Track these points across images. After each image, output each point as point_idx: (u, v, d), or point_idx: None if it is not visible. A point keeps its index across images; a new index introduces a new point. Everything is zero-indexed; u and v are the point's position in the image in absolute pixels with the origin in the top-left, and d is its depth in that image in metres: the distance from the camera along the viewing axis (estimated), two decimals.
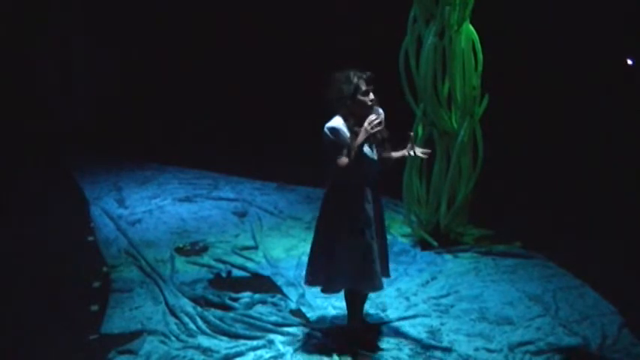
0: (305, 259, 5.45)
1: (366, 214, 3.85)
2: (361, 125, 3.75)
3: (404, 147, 3.96)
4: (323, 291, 4.03)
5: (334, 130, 3.76)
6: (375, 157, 3.86)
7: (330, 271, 3.92)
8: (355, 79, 3.76)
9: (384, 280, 4.05)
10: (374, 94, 3.79)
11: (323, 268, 3.96)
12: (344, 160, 3.75)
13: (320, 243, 3.98)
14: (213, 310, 4.59)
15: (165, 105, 10.05)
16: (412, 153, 3.92)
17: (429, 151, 4.04)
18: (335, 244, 3.87)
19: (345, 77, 3.78)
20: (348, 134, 3.76)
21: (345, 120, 3.79)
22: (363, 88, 3.76)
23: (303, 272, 5.16)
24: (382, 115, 3.92)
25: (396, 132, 4.03)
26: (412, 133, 3.99)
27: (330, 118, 3.81)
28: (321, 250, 3.97)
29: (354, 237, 3.85)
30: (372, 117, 3.70)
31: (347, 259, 3.86)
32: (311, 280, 4.07)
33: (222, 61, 10.11)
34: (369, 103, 3.78)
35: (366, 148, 3.79)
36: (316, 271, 4.02)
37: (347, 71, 3.80)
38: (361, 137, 3.70)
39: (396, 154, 3.98)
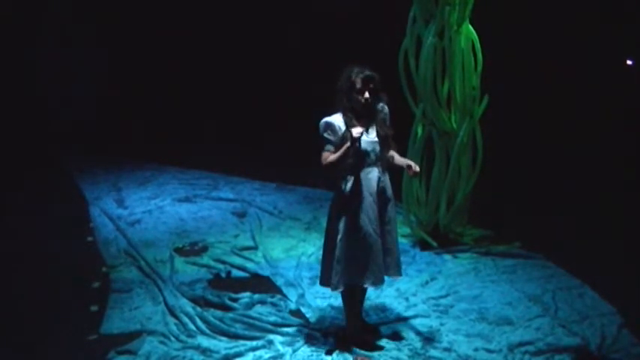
0: (304, 259, 5.51)
1: (367, 207, 3.84)
2: (359, 122, 3.79)
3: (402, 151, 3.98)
4: (332, 290, 4.02)
5: (326, 125, 3.81)
6: (370, 148, 3.83)
7: (335, 268, 3.90)
8: (353, 76, 3.78)
9: (389, 278, 4.07)
10: (370, 93, 3.78)
11: (329, 268, 3.94)
12: (327, 156, 3.79)
13: (327, 242, 3.98)
14: (212, 310, 4.59)
15: (165, 105, 10.04)
16: (410, 173, 3.91)
17: (418, 170, 3.99)
18: (337, 240, 3.86)
19: (347, 73, 3.82)
20: (341, 131, 3.78)
21: (345, 115, 3.81)
22: (358, 86, 3.77)
23: (304, 272, 5.24)
24: (386, 111, 3.93)
25: (396, 132, 4.04)
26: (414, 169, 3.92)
27: (334, 111, 3.84)
28: (327, 251, 3.97)
29: (355, 231, 3.83)
30: (357, 130, 3.72)
31: (348, 253, 3.85)
32: (320, 281, 4.07)
33: (222, 60, 10.10)
34: (362, 102, 3.78)
35: (363, 138, 3.79)
36: (323, 271, 4.02)
37: (352, 67, 3.82)
38: (343, 148, 3.74)
39: (398, 160, 3.99)
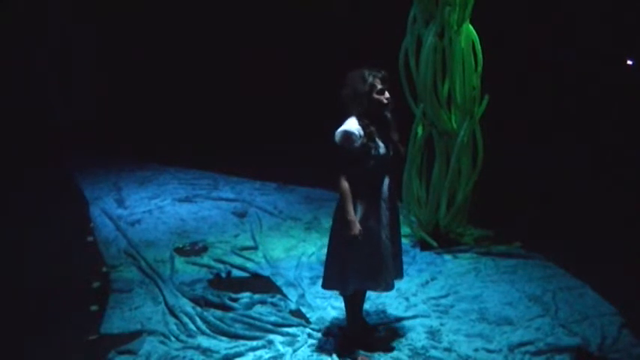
0: (305, 259, 5.51)
1: (382, 214, 3.81)
2: (375, 125, 3.74)
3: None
4: (340, 294, 4.00)
5: (346, 134, 3.68)
6: (384, 152, 3.78)
7: (345, 273, 3.85)
8: (370, 78, 3.71)
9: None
10: (389, 93, 3.76)
11: (338, 271, 3.88)
12: (342, 181, 3.71)
13: (335, 246, 3.89)
14: (212, 310, 4.59)
15: (165, 105, 10.06)
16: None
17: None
18: (349, 246, 3.78)
19: (359, 76, 3.73)
20: (360, 140, 3.69)
21: (360, 120, 3.73)
22: (379, 86, 3.71)
23: (304, 272, 5.24)
24: (390, 118, 3.89)
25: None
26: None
27: (344, 118, 3.74)
28: (336, 254, 3.89)
29: (370, 238, 3.78)
30: (356, 234, 3.69)
31: (361, 259, 3.81)
32: (327, 284, 3.99)
33: (222, 61, 10.11)
34: (385, 102, 3.74)
35: (380, 144, 3.75)
36: (331, 275, 3.94)
37: (361, 70, 3.75)
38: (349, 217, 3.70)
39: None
